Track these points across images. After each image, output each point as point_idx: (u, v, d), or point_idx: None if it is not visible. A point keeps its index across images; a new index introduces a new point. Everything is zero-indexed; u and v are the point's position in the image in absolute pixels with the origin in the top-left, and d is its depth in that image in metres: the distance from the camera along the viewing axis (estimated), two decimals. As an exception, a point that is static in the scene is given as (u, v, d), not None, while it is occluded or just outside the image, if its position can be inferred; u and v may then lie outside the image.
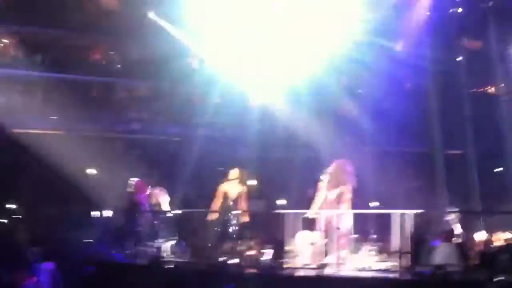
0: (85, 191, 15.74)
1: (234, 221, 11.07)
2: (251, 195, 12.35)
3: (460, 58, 18.72)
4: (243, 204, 11.25)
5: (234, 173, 11.37)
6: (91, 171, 17.87)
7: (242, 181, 11.31)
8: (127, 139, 19.25)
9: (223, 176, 11.61)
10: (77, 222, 14.07)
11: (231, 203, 11.25)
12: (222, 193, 11.26)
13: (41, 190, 15.69)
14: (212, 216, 11.19)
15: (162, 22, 17.94)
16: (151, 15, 17.82)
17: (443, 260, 9.39)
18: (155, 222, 11.40)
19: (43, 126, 17.74)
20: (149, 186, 12.14)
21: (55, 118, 18.45)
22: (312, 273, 9.50)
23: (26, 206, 15.12)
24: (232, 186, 11.36)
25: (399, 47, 18.58)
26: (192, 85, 19.64)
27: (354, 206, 10.41)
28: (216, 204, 11.29)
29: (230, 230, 10.82)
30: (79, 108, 18.84)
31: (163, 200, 12.16)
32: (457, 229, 11.24)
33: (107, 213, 12.95)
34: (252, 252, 10.54)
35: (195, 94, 20.14)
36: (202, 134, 18.27)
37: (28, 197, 14.99)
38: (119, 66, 20.53)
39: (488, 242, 10.72)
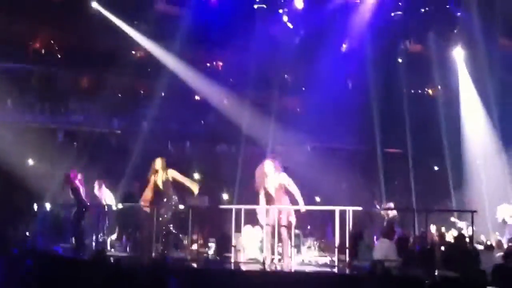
0: (24, 183, 15.29)
1: (177, 215, 10.97)
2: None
3: (400, 60, 19.32)
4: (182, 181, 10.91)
5: (158, 162, 11.06)
6: (31, 163, 17.39)
7: (165, 169, 10.98)
8: (68, 130, 18.82)
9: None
10: (16, 214, 13.66)
11: (165, 197, 10.97)
12: (153, 184, 10.97)
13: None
14: (147, 208, 10.95)
15: (107, 12, 17.62)
16: (95, 4, 17.47)
17: (382, 256, 9.65)
18: (98, 216, 11.20)
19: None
20: (96, 181, 11.85)
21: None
22: (256, 267, 9.60)
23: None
24: (159, 176, 11.07)
25: (343, 47, 19.03)
26: (137, 78, 19.44)
27: (296, 202, 10.56)
28: (148, 194, 10.97)
29: (173, 224, 10.73)
30: (19, 98, 18.31)
31: (107, 194, 11.97)
32: (396, 225, 11.61)
33: (48, 205, 12.63)
34: (196, 246, 10.55)
35: (139, 87, 19.95)
36: (146, 127, 18.07)
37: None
38: (60, 55, 20.03)
39: (425, 238, 11.12)
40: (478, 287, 8.79)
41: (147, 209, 10.69)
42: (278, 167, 10.11)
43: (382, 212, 12.41)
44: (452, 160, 17.46)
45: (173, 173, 10.72)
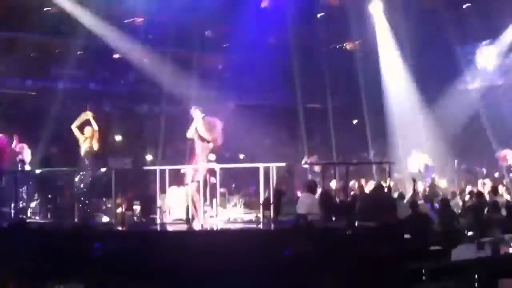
0: None
1: (101, 178, 10.75)
2: (118, 152, 12.10)
3: (320, 15, 19.47)
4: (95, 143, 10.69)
5: (87, 114, 10.74)
6: None
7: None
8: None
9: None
10: None
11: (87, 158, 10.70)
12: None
13: None
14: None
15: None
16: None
17: (305, 210, 9.92)
18: (16, 182, 10.77)
19: None
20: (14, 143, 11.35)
21: None
22: (182, 227, 9.63)
23: None
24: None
25: (262, 3, 18.92)
26: (51, 36, 18.57)
27: (221, 160, 10.62)
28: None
29: (96, 187, 10.52)
30: None
31: (26, 157, 11.52)
32: (318, 179, 11.91)
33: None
34: (120, 210, 10.42)
35: (54, 45, 19.08)
36: (62, 88, 17.40)
37: None
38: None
39: (346, 191, 11.47)
40: (395, 235, 9.30)
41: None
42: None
43: (305, 167, 12.68)
44: (372, 113, 17.97)
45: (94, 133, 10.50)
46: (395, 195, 11.75)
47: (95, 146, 10.50)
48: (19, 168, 11.21)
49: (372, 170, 13.58)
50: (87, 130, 10.58)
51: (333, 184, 12.40)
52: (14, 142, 11.33)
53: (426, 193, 12.61)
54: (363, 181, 12.86)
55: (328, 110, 18.46)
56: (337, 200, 10.76)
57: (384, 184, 11.97)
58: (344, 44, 20.43)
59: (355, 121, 19.23)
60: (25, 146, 11.60)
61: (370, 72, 18.20)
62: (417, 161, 13.49)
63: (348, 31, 19.32)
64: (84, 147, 10.53)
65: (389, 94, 17.71)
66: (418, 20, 17.37)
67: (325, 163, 13.37)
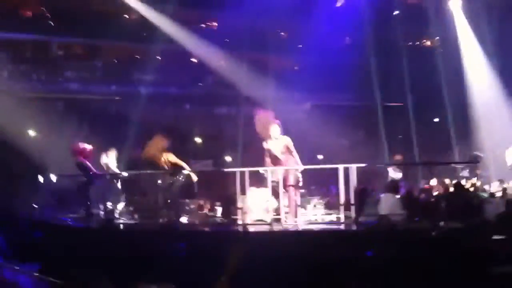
0: (26, 154, 15.28)
1: (182, 182, 10.99)
2: (197, 154, 12.36)
3: (397, 12, 19.09)
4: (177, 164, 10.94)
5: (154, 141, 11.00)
6: (31, 133, 17.36)
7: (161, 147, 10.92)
8: (66, 99, 18.71)
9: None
10: (21, 187, 13.67)
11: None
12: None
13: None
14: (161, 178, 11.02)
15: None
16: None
17: (387, 210, 9.74)
18: (104, 185, 11.22)
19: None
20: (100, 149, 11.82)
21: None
22: (263, 228, 9.70)
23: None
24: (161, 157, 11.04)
25: (338, 2, 18.77)
26: (131, 42, 19.22)
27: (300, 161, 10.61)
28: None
29: (179, 190, 10.77)
30: (13, 68, 18.14)
31: (111, 162, 11.97)
32: (400, 179, 11.68)
33: (53, 177, 12.63)
34: (202, 211, 10.63)
35: (135, 52, 19.74)
36: (145, 92, 17.96)
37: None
38: (52, 23, 19.74)
39: (430, 190, 11.20)
40: (482, 236, 8.95)
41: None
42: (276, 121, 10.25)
43: (386, 167, 12.46)
44: (454, 111, 17.40)
45: (170, 157, 10.69)
46: (483, 194, 11.33)
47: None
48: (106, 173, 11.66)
49: (457, 169, 13.15)
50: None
51: (434, 181, 12.11)
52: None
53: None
54: (447, 181, 12.49)
55: (408, 108, 18.02)
56: (420, 200, 10.50)
57: (469, 183, 11.59)
58: (423, 41, 19.95)
59: (436, 119, 18.70)
60: (109, 152, 12.01)
61: (450, 68, 17.64)
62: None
63: (426, 28, 18.85)
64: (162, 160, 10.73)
65: (472, 90, 17.06)
66: (498, 16, 16.71)
67: (408, 163, 13.07)
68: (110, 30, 17.88)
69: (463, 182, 12.00)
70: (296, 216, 10.07)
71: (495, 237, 9.17)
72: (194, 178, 10.72)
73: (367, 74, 18.13)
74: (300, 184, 10.27)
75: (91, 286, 2.77)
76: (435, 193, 11.62)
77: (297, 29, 19.66)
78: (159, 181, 10.68)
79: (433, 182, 12.72)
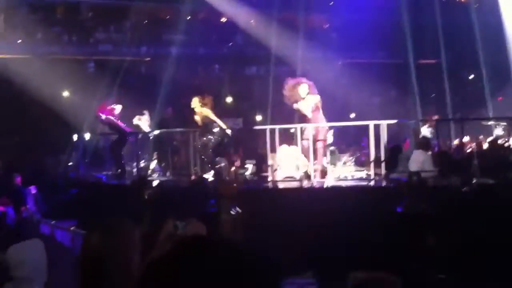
0: (60, 115, 15.57)
1: (215, 139, 11.07)
2: (228, 112, 12.40)
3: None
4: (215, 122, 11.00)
5: (193, 102, 11.08)
6: (64, 94, 17.64)
7: (203, 105, 10.98)
8: (97, 61, 18.88)
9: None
10: (56, 146, 13.99)
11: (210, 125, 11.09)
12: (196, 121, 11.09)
13: (13, 116, 15.43)
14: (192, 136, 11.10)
15: None
16: None
17: (418, 167, 9.69)
18: (136, 143, 11.41)
19: (8, 51, 17.22)
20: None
21: (20, 42, 17.96)
22: (294, 184, 9.76)
23: (2, 133, 14.89)
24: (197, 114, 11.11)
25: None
26: (161, 3, 19.20)
27: (330, 119, 10.59)
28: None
29: (211, 147, 10.87)
30: (44, 31, 18.33)
31: (143, 124, 12.13)
32: (432, 137, 11.56)
33: (86, 135, 12.88)
34: (234, 168, 10.73)
35: (165, 11, 19.72)
36: (174, 53, 18.00)
37: (3, 124, 14.72)
38: (82, -15, 19.81)
39: (462, 147, 11.08)
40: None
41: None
42: (312, 87, 10.20)
43: (418, 124, 12.33)
44: (490, 68, 16.96)
45: (206, 112, 10.76)
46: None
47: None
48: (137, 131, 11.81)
49: (491, 127, 12.92)
50: (193, 101, 10.82)
51: (466, 139, 11.98)
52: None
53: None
54: (481, 137, 12.31)
55: (442, 66, 17.64)
56: (452, 157, 10.39)
57: (504, 141, 11.41)
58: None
59: (471, 76, 18.29)
60: (141, 117, 12.15)
61: (487, 24, 17.12)
62: None
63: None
64: (199, 117, 10.82)
65: (510, 47, 16.55)
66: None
67: (439, 119, 12.89)
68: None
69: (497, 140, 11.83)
70: (325, 174, 10.10)
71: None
72: (228, 131, 10.75)
73: (400, 31, 17.75)
74: (330, 141, 10.27)
75: (119, 232, 2.82)
76: (468, 150, 11.48)
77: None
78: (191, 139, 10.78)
79: (466, 139, 12.56)
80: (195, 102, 10.79)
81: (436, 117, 12.77)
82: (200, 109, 10.72)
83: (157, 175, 11.42)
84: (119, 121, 11.35)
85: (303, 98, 10.08)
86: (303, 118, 10.25)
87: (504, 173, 9.25)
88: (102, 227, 2.74)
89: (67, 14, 19.95)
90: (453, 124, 11.87)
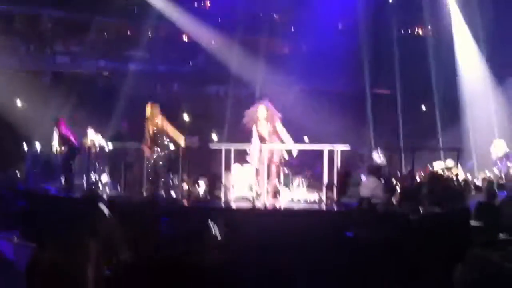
0: (12, 127, 15.23)
1: (167, 156, 10.97)
2: (185, 131, 12.32)
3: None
4: (170, 134, 10.87)
5: (147, 110, 10.98)
6: (19, 105, 17.27)
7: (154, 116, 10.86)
8: (55, 73, 18.62)
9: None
10: (6, 157, 13.66)
11: (160, 138, 10.95)
12: (147, 130, 10.94)
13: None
14: (147, 152, 11.00)
15: None
16: None
17: (369, 193, 9.84)
18: (88, 157, 11.26)
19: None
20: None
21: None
22: (246, 205, 9.77)
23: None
24: (150, 123, 10.98)
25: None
26: (123, 19, 19.13)
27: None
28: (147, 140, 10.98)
29: (163, 164, 10.78)
30: (3, 41, 18.01)
31: (96, 137, 12.00)
32: (383, 164, 11.80)
33: (38, 147, 12.64)
34: (186, 186, 10.68)
35: (126, 28, 19.66)
36: (134, 69, 17.91)
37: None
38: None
39: (412, 176, 11.31)
40: (461, 223, 9.07)
41: (147, 153, 10.64)
42: (272, 110, 10.34)
43: (371, 151, 12.58)
44: (443, 100, 17.47)
45: (163, 123, 10.64)
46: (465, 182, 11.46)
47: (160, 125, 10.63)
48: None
49: (440, 157, 13.28)
50: (147, 109, 10.70)
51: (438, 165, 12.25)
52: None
53: (503, 181, 12.15)
54: (430, 168, 12.60)
55: (396, 97, 18.10)
56: (402, 184, 10.62)
57: (452, 171, 11.72)
58: (415, 29, 19.97)
59: (424, 108, 18.78)
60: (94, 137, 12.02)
61: (442, 58, 17.67)
62: (499, 148, 12.95)
63: (419, 16, 18.86)
64: (150, 127, 10.69)
65: (462, 80, 17.10)
66: (492, 5, 16.70)
67: (392, 148, 13.19)
68: (102, 5, 17.78)
69: (447, 168, 12.14)
70: (277, 194, 10.17)
71: (473, 223, 9.31)
72: (181, 142, 10.59)
73: (358, 60, 18.14)
74: (283, 161, 10.38)
75: (74, 246, 2.78)
76: (418, 179, 11.73)
77: (290, 12, 19.64)
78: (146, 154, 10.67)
79: (417, 168, 12.83)
80: (148, 111, 10.62)
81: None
82: (156, 117, 10.53)
83: (108, 189, 11.27)
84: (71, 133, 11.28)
85: (262, 120, 10.22)
86: (261, 140, 10.35)
87: (450, 203, 9.47)
88: (58, 240, 2.70)
89: (25, 24, 19.66)
90: (404, 154, 12.15)
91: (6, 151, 13.71)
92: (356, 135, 16.03)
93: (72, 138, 11.35)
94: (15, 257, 7.56)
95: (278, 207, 9.70)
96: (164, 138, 10.52)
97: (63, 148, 11.60)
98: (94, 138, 12.00)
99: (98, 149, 11.85)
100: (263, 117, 10.27)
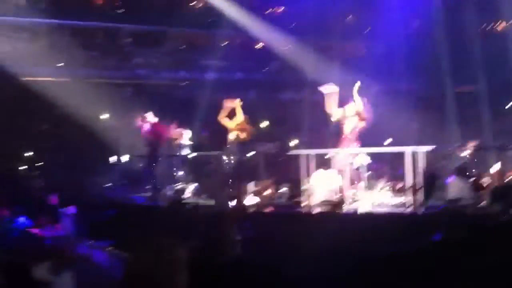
0: (98, 137, 15.87)
1: (249, 162, 11.13)
2: (263, 137, 12.45)
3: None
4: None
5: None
6: (102, 117, 17.98)
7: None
8: (134, 85, 19.24)
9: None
10: (94, 167, 14.23)
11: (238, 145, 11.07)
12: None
13: (54, 138, 15.79)
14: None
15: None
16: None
17: (456, 195, 9.56)
18: (174, 165, 11.56)
19: (49, 73, 17.69)
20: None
21: (61, 65, 18.43)
22: (327, 210, 9.70)
23: (42, 153, 15.24)
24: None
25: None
26: (198, 29, 19.52)
27: (368, 145, 10.57)
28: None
29: (246, 171, 10.91)
30: (85, 55, 18.78)
31: (185, 141, 12.30)
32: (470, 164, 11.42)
33: (125, 158, 13.10)
34: (268, 192, 10.74)
35: (202, 37, 20.03)
36: (210, 77, 18.22)
37: (43, 145, 15.08)
38: (122, 10, 20.26)
39: (501, 176, 10.89)
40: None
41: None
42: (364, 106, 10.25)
43: (456, 151, 12.20)
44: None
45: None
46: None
47: (242, 136, 10.82)
48: (178, 153, 11.98)
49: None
50: (236, 119, 10.93)
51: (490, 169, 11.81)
52: (173, 128, 12.10)
53: None
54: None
55: (479, 94, 17.47)
56: (491, 185, 10.22)
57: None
58: (495, 25, 19.21)
59: (508, 105, 18.03)
60: (183, 131, 12.36)
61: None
62: None
63: (499, 11, 18.14)
64: (232, 136, 10.89)
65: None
66: None
67: (478, 147, 12.72)
68: (177, 17, 18.23)
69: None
70: (359, 199, 10.04)
71: None
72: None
73: (436, 59, 17.65)
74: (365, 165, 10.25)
75: (165, 254, 2.82)
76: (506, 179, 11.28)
77: (365, 14, 19.38)
78: (223, 161, 10.83)
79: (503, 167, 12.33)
80: (235, 103, 10.75)
81: (474, 143, 12.61)
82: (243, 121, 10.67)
83: (193, 198, 11.51)
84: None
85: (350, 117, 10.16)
86: (343, 139, 10.27)
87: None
88: (149, 246, 2.75)
89: (106, 39, 20.42)
90: (489, 153, 11.71)
91: (92, 162, 14.30)
92: (440, 135, 15.60)
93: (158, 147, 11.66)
94: (109, 266, 7.85)
95: (360, 212, 9.57)
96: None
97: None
98: (183, 143, 12.28)
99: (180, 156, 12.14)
100: (350, 114, 10.19)
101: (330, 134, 11.12)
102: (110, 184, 12.65)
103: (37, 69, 17.44)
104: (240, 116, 10.82)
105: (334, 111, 10.34)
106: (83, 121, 15.94)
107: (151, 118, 11.77)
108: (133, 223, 9.53)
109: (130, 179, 12.70)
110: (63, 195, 11.03)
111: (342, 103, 10.80)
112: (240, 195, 10.75)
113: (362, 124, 10.19)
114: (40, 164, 14.37)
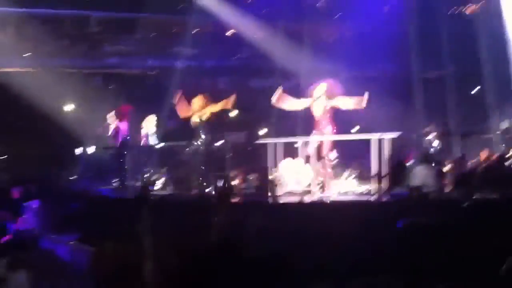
0: (65, 129, 15.66)
1: (216, 152, 11.14)
2: (232, 126, 12.43)
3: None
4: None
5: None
6: (69, 108, 17.73)
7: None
8: (103, 74, 19.00)
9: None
10: (60, 159, 14.07)
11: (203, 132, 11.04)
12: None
13: (20, 129, 15.54)
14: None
15: None
16: None
17: (420, 181, 9.67)
18: (141, 156, 11.49)
19: (16, 64, 17.39)
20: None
21: (28, 55, 18.11)
22: (295, 199, 9.76)
23: (7, 145, 15.01)
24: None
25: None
26: (169, 15, 19.31)
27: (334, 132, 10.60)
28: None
29: (213, 161, 10.92)
30: (53, 44, 18.47)
31: (151, 129, 12.22)
32: (435, 150, 11.54)
33: (90, 149, 12.97)
34: (236, 182, 10.74)
35: (172, 25, 19.82)
36: (181, 65, 18.07)
37: (8, 137, 14.85)
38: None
39: (465, 162, 11.04)
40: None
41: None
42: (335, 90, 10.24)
43: (421, 138, 12.32)
44: (495, 82, 16.89)
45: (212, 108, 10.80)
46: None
47: (205, 116, 10.79)
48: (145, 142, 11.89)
49: (492, 142, 12.87)
50: (195, 102, 10.89)
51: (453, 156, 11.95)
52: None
53: None
54: (483, 153, 12.24)
55: (446, 79, 17.62)
56: (455, 171, 10.37)
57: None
58: (463, 8, 19.33)
59: (474, 91, 18.21)
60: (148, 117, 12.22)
61: (493, 37, 17.04)
62: None
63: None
64: (194, 119, 10.84)
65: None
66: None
67: (443, 133, 12.87)
68: (148, 3, 18.00)
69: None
70: (327, 188, 10.10)
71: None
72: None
73: (405, 44, 17.72)
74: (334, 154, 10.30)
75: (130, 247, 2.85)
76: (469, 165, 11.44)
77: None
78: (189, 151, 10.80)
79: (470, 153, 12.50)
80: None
81: (435, 127, 12.74)
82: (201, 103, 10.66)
83: (160, 189, 11.47)
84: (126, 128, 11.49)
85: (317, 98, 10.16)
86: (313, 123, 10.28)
87: (506, 188, 9.19)
88: (115, 237, 2.78)
89: (74, 26, 20.08)
90: (455, 139, 11.85)
91: (57, 153, 14.12)
92: (406, 121, 15.71)
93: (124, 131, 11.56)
94: (72, 260, 7.80)
95: (326, 201, 9.64)
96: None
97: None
98: (149, 132, 12.18)
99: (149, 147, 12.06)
100: (318, 95, 10.16)
101: (301, 121, 11.13)
102: (76, 176, 12.52)
103: (3, 59, 17.13)
104: (196, 101, 10.78)
105: (294, 103, 10.35)
106: (49, 112, 15.70)
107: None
108: (100, 215, 9.49)
109: (96, 171, 12.59)
110: (28, 188, 10.91)
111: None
112: (226, 182, 10.73)
113: (333, 102, 10.18)
114: (3, 157, 14.14)
